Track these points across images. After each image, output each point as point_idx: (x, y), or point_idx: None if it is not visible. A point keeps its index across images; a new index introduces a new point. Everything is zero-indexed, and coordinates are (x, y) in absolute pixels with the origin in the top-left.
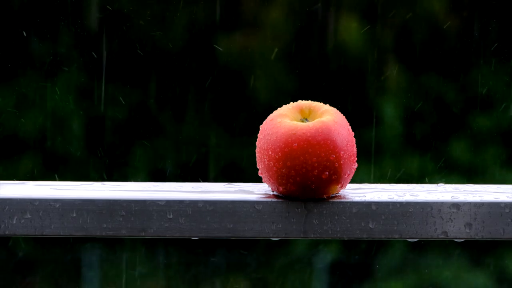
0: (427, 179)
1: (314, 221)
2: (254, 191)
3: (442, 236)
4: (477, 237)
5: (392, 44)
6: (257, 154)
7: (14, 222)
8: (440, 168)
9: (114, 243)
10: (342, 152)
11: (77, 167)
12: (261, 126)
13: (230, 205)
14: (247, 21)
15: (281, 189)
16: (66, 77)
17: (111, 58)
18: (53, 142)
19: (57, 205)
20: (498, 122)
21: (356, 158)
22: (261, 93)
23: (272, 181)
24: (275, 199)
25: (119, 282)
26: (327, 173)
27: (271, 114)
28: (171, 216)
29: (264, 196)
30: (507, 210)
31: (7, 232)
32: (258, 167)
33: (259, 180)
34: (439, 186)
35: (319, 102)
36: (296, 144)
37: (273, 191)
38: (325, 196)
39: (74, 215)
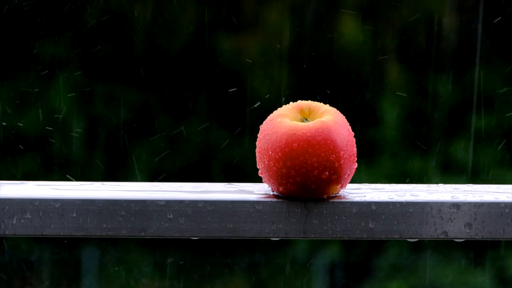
0: (427, 179)
1: (314, 221)
2: (254, 191)
3: (442, 236)
4: (477, 237)
5: (392, 44)
6: (257, 154)
7: (14, 222)
8: (440, 168)
9: (114, 243)
10: (342, 152)
11: (77, 167)
12: (261, 126)
13: (230, 205)
14: (247, 21)
15: (281, 189)
16: (66, 77)
17: (111, 58)
18: (53, 142)
19: (57, 205)
20: (498, 122)
21: (356, 158)
22: (261, 93)
23: (272, 181)
24: (275, 199)
25: (119, 282)
26: (327, 173)
27: (271, 114)
28: (171, 216)
29: (264, 196)
30: (507, 210)
31: (7, 232)
32: (258, 167)
33: (259, 180)
34: (439, 186)
35: (319, 102)
36: (296, 144)
37: (273, 191)
38: (325, 196)
39: (74, 215)
